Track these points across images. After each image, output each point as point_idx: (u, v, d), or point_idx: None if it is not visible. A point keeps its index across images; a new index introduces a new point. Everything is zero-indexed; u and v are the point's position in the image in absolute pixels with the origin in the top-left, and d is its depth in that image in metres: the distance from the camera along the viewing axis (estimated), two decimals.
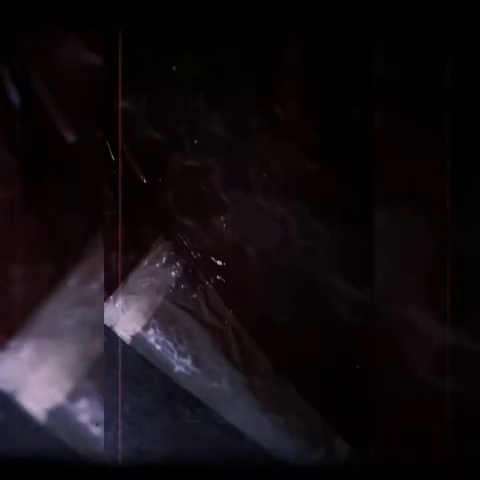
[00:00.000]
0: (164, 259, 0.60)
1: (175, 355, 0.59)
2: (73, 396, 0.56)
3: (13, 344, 0.52)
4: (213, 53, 0.57)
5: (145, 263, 0.60)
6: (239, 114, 0.58)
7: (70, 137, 0.51)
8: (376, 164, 0.55)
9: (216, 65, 0.57)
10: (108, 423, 0.58)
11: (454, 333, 0.52)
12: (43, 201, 0.53)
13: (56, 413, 0.56)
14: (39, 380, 0.52)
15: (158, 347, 0.59)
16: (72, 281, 0.54)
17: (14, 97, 0.51)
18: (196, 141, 0.59)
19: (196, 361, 0.59)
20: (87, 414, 0.57)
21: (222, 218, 0.60)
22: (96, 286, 0.56)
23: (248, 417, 0.59)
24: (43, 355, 0.52)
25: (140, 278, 0.60)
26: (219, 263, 0.60)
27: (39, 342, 0.52)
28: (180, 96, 0.58)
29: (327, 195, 0.57)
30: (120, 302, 0.59)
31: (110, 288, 0.59)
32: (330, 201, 0.57)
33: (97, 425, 0.56)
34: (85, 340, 0.55)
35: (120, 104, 0.58)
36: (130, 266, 0.60)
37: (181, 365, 0.59)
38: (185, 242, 0.60)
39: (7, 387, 0.53)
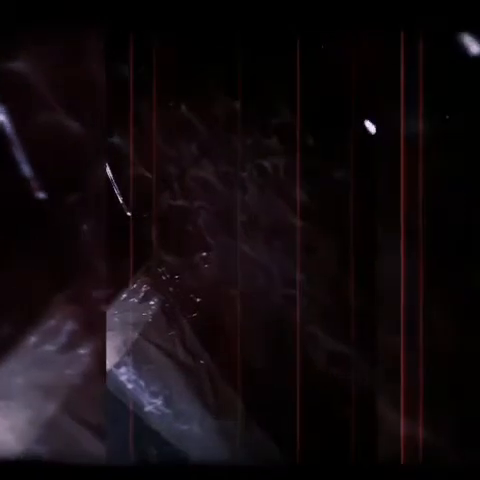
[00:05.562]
0: (142, 294, 0.59)
1: (146, 395, 0.58)
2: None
3: None
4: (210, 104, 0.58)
5: (122, 297, 0.59)
6: (230, 165, 0.58)
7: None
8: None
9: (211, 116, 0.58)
10: None
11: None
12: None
13: None
14: None
15: (130, 386, 0.58)
16: (31, 340, 0.49)
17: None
18: (186, 183, 0.59)
19: (167, 402, 0.58)
20: None
21: (204, 258, 0.59)
22: (53, 347, 0.51)
23: (218, 459, 0.58)
24: None
25: (116, 313, 0.59)
26: (198, 301, 0.59)
27: None
28: (175, 141, 0.58)
29: (311, 249, 0.57)
30: None
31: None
32: (314, 255, 0.57)
33: None
34: (37, 404, 0.50)
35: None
36: (109, 300, 0.59)
37: (152, 405, 0.58)
38: (164, 278, 0.59)
39: None
